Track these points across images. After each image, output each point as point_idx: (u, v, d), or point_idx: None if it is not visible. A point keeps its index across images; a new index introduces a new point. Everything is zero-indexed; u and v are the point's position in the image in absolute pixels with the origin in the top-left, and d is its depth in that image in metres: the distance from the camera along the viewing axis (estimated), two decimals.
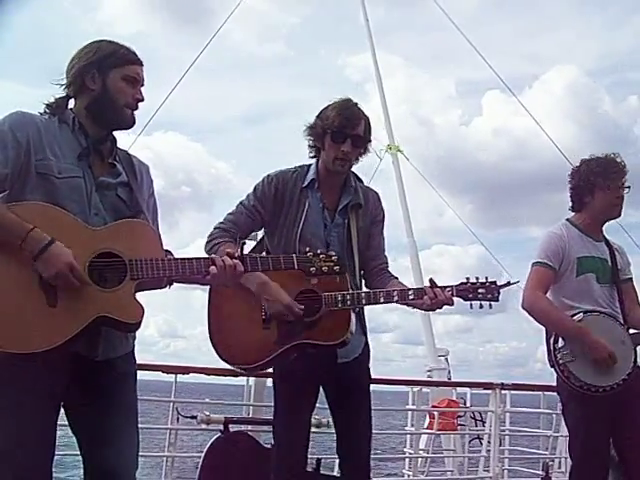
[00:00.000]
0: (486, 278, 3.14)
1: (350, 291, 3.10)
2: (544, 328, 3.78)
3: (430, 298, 3.06)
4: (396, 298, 3.13)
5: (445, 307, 3.12)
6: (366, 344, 3.36)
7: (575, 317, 3.68)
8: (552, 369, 3.74)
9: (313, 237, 3.21)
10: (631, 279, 3.93)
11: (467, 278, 3.13)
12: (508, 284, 3.23)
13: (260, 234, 3.49)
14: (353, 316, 3.11)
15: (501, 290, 3.15)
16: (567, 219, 3.92)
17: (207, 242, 3.18)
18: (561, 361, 3.64)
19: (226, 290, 2.86)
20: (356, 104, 3.26)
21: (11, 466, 2.33)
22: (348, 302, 3.07)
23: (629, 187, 3.84)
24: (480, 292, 3.11)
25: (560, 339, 3.67)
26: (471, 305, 3.14)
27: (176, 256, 2.59)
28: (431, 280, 3.11)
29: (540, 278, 3.73)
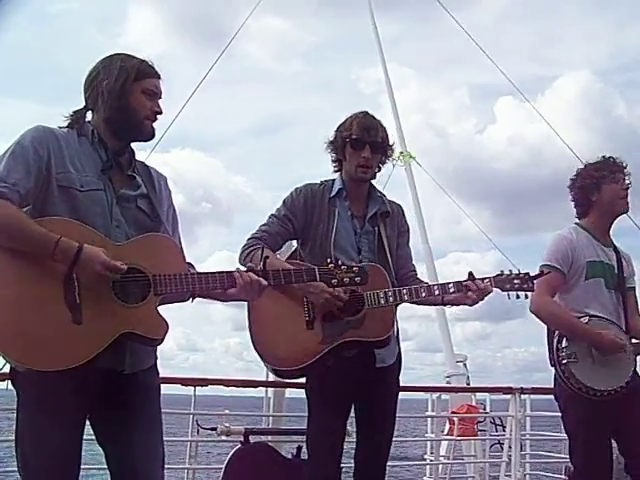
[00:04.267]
0: (519, 270, 3.25)
1: (392, 288, 3.15)
2: (545, 328, 3.78)
3: (474, 291, 3.13)
4: (437, 292, 3.19)
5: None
6: (399, 353, 3.40)
7: (581, 319, 3.68)
8: (552, 368, 3.73)
9: (346, 244, 3.27)
10: (633, 288, 3.92)
11: (502, 270, 3.23)
12: (541, 274, 3.35)
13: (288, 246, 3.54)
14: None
15: (535, 280, 3.27)
16: (576, 223, 3.92)
17: (242, 252, 3.23)
18: (563, 361, 3.64)
19: (267, 293, 2.85)
20: (372, 115, 3.37)
21: None
22: (390, 299, 3.13)
23: (630, 183, 3.86)
24: (516, 283, 3.22)
25: (564, 339, 3.67)
26: (508, 295, 3.23)
27: (198, 270, 2.61)
28: (470, 273, 3.19)
29: (548, 281, 3.68)
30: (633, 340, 3.72)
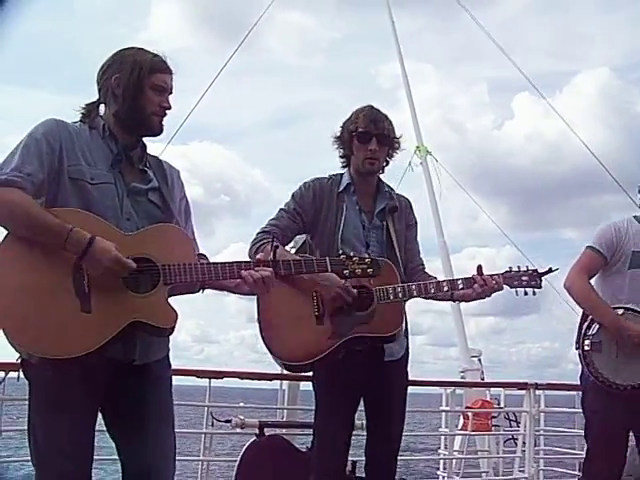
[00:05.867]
0: (527, 267, 3.26)
1: (400, 284, 3.15)
2: (580, 312, 3.80)
3: (480, 285, 3.15)
4: (446, 288, 3.22)
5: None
6: (407, 347, 3.40)
7: (616, 310, 3.68)
8: (577, 351, 3.75)
9: (353, 238, 3.28)
10: None
11: (510, 267, 3.25)
12: (550, 271, 3.32)
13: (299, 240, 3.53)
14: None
15: (543, 277, 3.27)
16: (634, 215, 3.90)
17: (251, 246, 3.22)
18: (586, 347, 3.67)
19: (276, 288, 2.83)
20: (377, 108, 3.38)
21: (52, 472, 2.37)
22: (399, 294, 3.13)
23: None
24: (524, 279, 3.23)
25: (594, 326, 3.68)
26: (516, 292, 3.25)
27: (210, 261, 2.61)
28: (479, 267, 3.20)
29: (588, 262, 3.78)
30: None
